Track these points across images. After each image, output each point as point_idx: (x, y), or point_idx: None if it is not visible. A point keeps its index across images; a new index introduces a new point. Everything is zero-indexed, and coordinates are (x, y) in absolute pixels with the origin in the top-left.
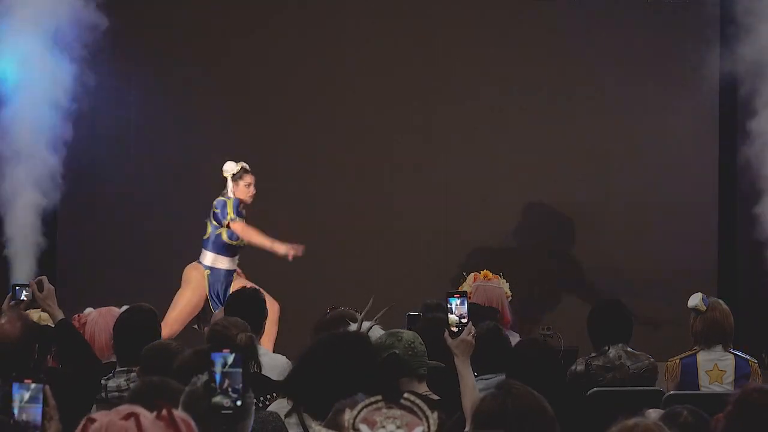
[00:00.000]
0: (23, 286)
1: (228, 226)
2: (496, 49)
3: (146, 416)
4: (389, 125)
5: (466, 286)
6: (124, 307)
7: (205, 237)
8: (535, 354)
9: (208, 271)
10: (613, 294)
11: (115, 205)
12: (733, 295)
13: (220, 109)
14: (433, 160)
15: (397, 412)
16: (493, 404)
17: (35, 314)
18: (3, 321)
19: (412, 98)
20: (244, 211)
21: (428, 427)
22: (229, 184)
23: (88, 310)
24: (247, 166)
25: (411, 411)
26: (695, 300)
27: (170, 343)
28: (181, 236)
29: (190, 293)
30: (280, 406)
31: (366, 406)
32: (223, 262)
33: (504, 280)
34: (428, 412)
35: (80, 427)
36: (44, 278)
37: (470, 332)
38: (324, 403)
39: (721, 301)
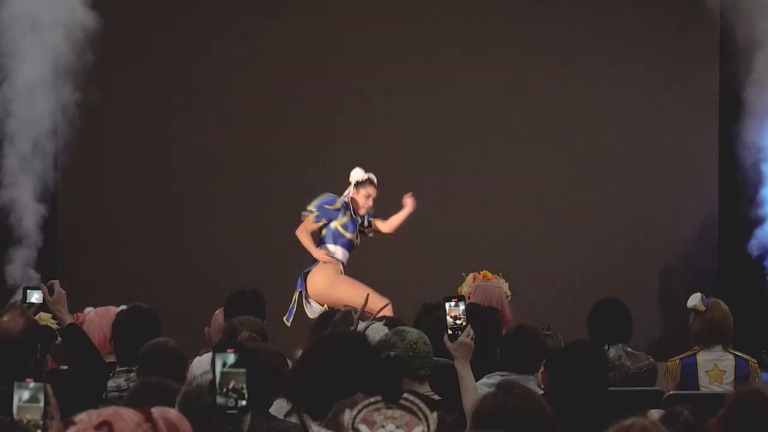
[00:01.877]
0: (34, 289)
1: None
2: (495, 49)
3: (126, 421)
4: (389, 125)
5: (465, 286)
6: (122, 307)
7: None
8: (584, 357)
9: (339, 265)
10: (613, 294)
11: (115, 205)
12: (733, 295)
13: (219, 108)
14: (433, 161)
15: (396, 412)
16: (493, 404)
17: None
18: (5, 318)
19: (411, 99)
20: (347, 216)
21: (428, 427)
22: (351, 189)
23: (88, 309)
24: (375, 179)
25: (410, 411)
26: (694, 300)
27: (168, 341)
28: (182, 236)
29: (346, 282)
30: (278, 407)
31: (365, 406)
32: (339, 254)
33: (504, 280)
34: (427, 413)
35: None
36: (56, 282)
37: (469, 335)
38: (323, 403)
39: (720, 301)
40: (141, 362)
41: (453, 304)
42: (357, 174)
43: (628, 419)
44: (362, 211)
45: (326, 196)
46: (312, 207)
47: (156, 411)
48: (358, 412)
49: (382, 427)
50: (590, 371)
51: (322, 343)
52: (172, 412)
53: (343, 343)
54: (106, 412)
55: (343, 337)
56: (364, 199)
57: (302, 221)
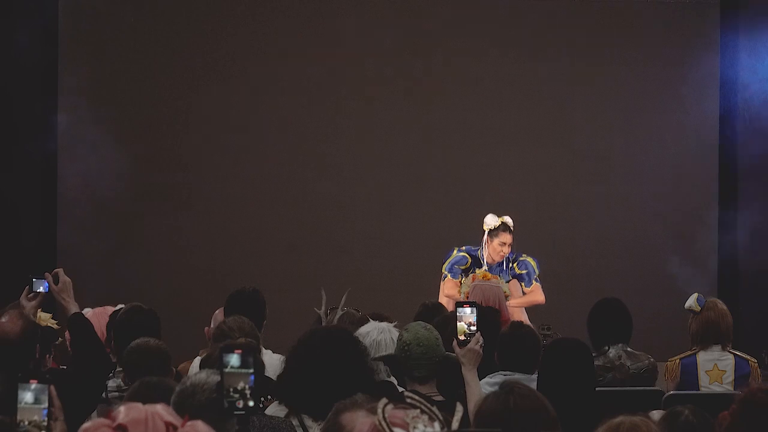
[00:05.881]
0: (39, 278)
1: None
2: (496, 49)
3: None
4: (389, 126)
5: (464, 286)
6: (120, 306)
7: None
8: (571, 354)
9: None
10: (613, 294)
11: (115, 205)
12: (733, 295)
13: (219, 107)
14: (433, 160)
15: (415, 411)
16: (495, 403)
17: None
18: (4, 319)
19: (412, 99)
20: (483, 266)
21: (441, 422)
22: (485, 237)
23: (86, 310)
24: (510, 223)
25: (422, 410)
26: (690, 301)
27: (149, 340)
28: (182, 236)
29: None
30: (274, 410)
31: (385, 407)
32: None
33: (503, 280)
34: (435, 409)
35: None
36: (60, 271)
37: (478, 342)
38: (315, 402)
39: (718, 301)
40: (126, 364)
41: (468, 311)
42: (490, 221)
43: (617, 417)
44: (496, 259)
45: (456, 256)
46: (444, 270)
47: (186, 427)
48: (384, 415)
49: (415, 428)
50: (576, 367)
51: (305, 342)
52: (200, 427)
53: (327, 340)
54: (142, 412)
55: (328, 334)
56: (499, 247)
57: (442, 285)
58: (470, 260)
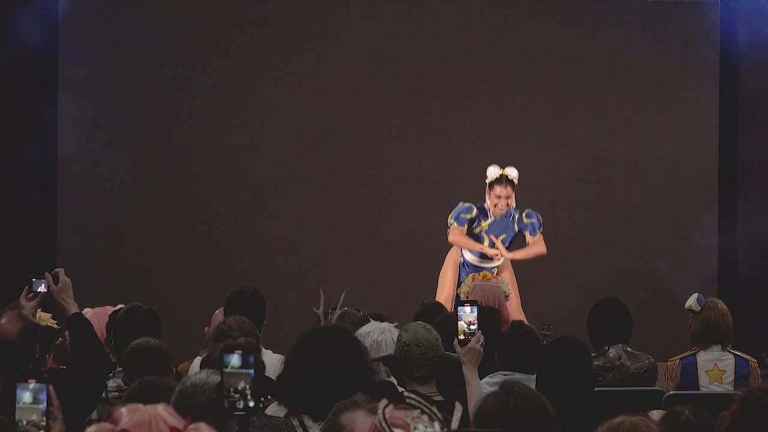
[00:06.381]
0: (39, 278)
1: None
2: (496, 49)
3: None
4: (389, 127)
5: (464, 287)
6: (119, 306)
7: None
8: (570, 353)
9: (460, 259)
10: (613, 294)
11: (115, 205)
12: (733, 295)
13: (220, 108)
14: (433, 160)
15: (415, 411)
16: (495, 403)
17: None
18: (3, 321)
19: (411, 99)
20: (489, 218)
21: (441, 422)
22: (486, 189)
23: (86, 310)
24: (511, 175)
25: (423, 411)
26: (690, 301)
27: (149, 340)
28: (182, 236)
29: (451, 273)
30: (274, 410)
31: (385, 407)
32: (468, 255)
33: (503, 280)
34: (435, 410)
35: None
36: (61, 270)
37: (479, 341)
38: (315, 402)
39: (718, 301)
40: (126, 364)
41: (468, 309)
42: (489, 172)
43: (617, 417)
44: (495, 212)
45: (461, 206)
46: (450, 220)
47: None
48: (384, 415)
49: (415, 428)
50: (574, 367)
51: (305, 342)
52: (204, 429)
53: (327, 340)
54: (145, 414)
55: (328, 334)
56: (496, 199)
57: (448, 234)
58: (476, 210)
